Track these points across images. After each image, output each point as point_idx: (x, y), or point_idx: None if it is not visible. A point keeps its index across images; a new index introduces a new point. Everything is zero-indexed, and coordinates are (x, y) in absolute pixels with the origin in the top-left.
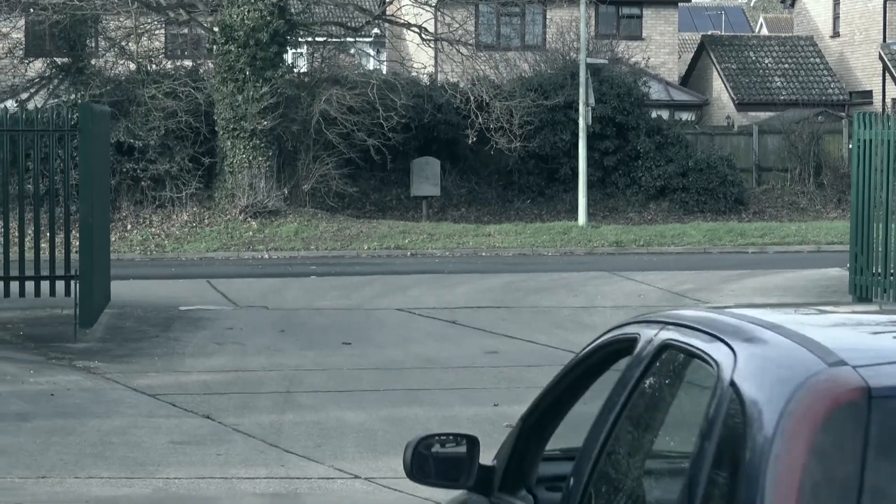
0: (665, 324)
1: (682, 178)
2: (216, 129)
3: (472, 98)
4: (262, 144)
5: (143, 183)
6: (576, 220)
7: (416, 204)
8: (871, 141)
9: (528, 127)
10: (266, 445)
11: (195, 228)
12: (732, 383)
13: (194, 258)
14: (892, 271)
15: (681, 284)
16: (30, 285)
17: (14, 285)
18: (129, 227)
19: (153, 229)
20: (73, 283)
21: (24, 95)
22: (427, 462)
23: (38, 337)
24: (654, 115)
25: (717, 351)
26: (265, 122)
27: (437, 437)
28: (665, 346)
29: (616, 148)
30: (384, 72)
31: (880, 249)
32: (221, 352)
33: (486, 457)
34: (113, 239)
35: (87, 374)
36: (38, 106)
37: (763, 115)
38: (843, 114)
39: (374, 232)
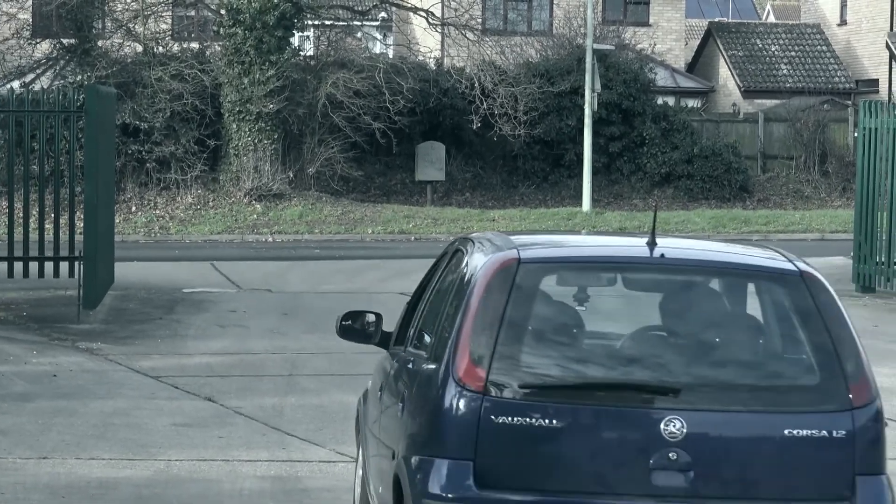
0: (460, 240)
1: (687, 165)
2: (222, 111)
3: (477, 83)
4: (268, 127)
5: (148, 165)
6: (580, 205)
7: (421, 188)
8: (876, 130)
9: (534, 113)
10: (268, 428)
11: (200, 211)
12: (468, 264)
13: (198, 241)
14: (895, 260)
15: None
16: (34, 266)
17: (18, 266)
18: (133, 208)
19: (158, 211)
20: (77, 264)
21: (31, 76)
22: (350, 329)
23: (41, 318)
24: (660, 101)
25: (465, 246)
26: (271, 105)
27: (356, 313)
28: (455, 248)
29: (621, 134)
30: (390, 56)
31: (884, 238)
32: (224, 334)
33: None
34: (117, 221)
35: (90, 356)
36: (45, 87)
37: (769, 102)
38: (849, 102)
39: (379, 216)
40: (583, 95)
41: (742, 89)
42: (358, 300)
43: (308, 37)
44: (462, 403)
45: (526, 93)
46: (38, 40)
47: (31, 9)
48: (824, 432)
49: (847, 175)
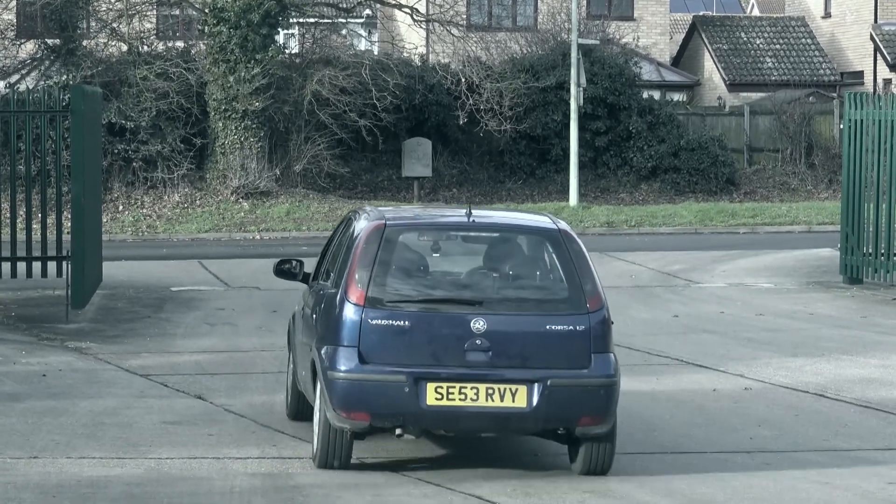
0: (351, 212)
1: (673, 159)
2: (208, 110)
3: (463, 79)
4: (254, 125)
5: (134, 164)
6: (567, 200)
7: (408, 184)
8: (862, 121)
9: (519, 108)
10: (258, 426)
11: (187, 209)
12: (355, 227)
13: (186, 239)
14: (882, 251)
15: (672, 265)
16: (21, 266)
17: (6, 266)
18: (120, 208)
19: (145, 210)
20: (64, 263)
21: (16, 77)
22: (282, 271)
23: (29, 318)
24: (645, 95)
25: (354, 216)
26: (257, 103)
27: (286, 260)
28: (346, 218)
29: (607, 128)
30: (376, 53)
31: (871, 229)
32: (213, 332)
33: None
34: (105, 220)
35: (79, 355)
36: (30, 87)
37: (754, 95)
38: (835, 94)
39: None
40: (568, 90)
41: (727, 82)
42: None
43: (293, 34)
44: (351, 312)
45: (511, 88)
46: (22, 41)
47: (15, 9)
48: (571, 327)
49: (833, 167)
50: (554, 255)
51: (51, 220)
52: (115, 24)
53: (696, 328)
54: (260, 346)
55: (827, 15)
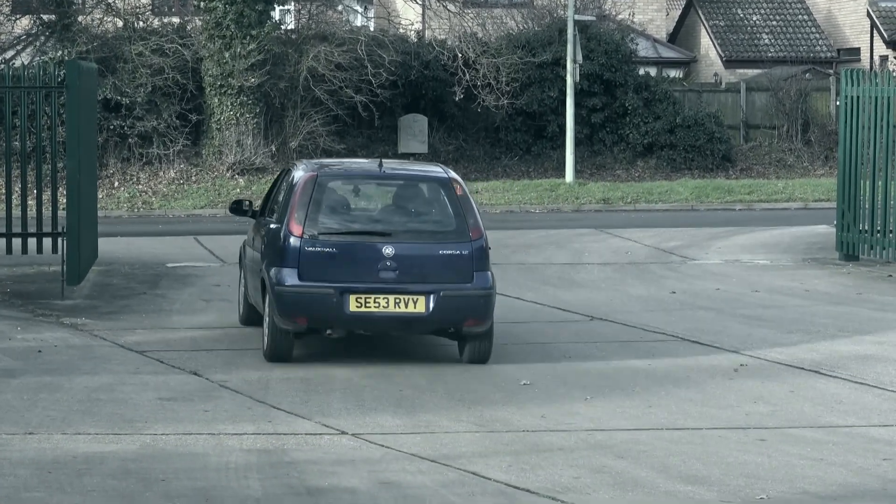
0: (291, 164)
1: (669, 135)
2: (203, 86)
3: (459, 55)
4: (250, 101)
5: (130, 140)
6: (563, 177)
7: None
8: (858, 98)
9: (515, 84)
10: (253, 402)
11: (182, 185)
12: (294, 176)
13: (181, 215)
14: (878, 228)
15: (668, 241)
16: (17, 242)
17: (1, 242)
18: (116, 184)
19: (140, 186)
20: (60, 240)
21: (11, 53)
22: (236, 209)
23: (25, 294)
24: (641, 72)
25: (292, 168)
26: (252, 79)
27: (239, 200)
28: (286, 169)
29: (604, 105)
30: (372, 29)
31: (867, 206)
32: (209, 308)
33: None
34: (100, 196)
35: (75, 331)
36: (25, 63)
37: (751, 72)
38: (831, 71)
39: None
40: (564, 66)
41: (724, 59)
42: None
43: (289, 10)
44: (292, 242)
45: (508, 64)
46: (17, 16)
47: None
48: (458, 252)
49: (829, 144)
50: (445, 198)
51: (46, 196)
52: (110, 0)
53: (692, 304)
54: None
55: None
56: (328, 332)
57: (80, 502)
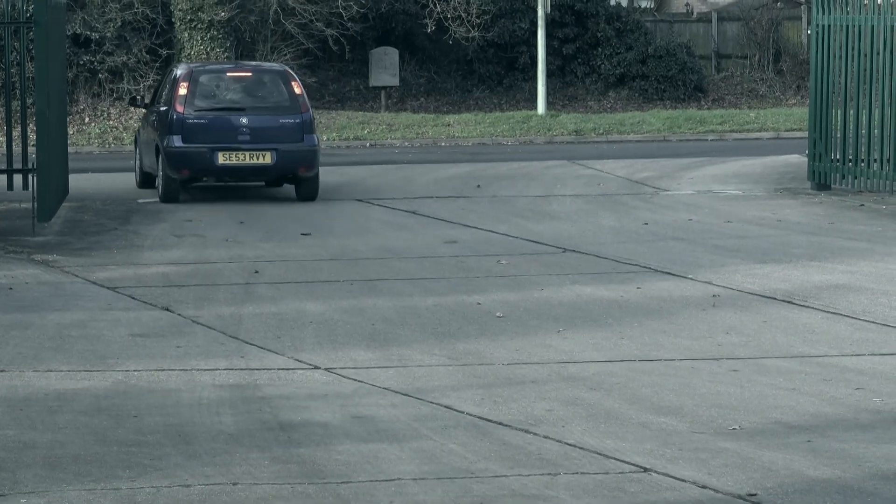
0: (174, 64)
1: (641, 66)
2: (173, 20)
3: None
4: (220, 35)
5: (100, 75)
6: (535, 108)
7: (375, 94)
8: (829, 26)
9: (486, 16)
10: (226, 337)
11: None
12: (175, 72)
13: None
14: (850, 157)
15: (640, 172)
16: None
17: None
18: (87, 120)
19: (111, 122)
20: (30, 176)
21: None
22: (132, 102)
23: None
24: (613, 2)
25: (174, 68)
26: (223, 13)
27: (133, 95)
28: (170, 69)
29: (575, 36)
30: None
31: (839, 136)
32: (181, 244)
33: None
34: (71, 132)
35: (46, 268)
36: None
37: (722, 1)
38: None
39: (333, 123)
40: None
41: None
42: (313, 207)
43: None
44: (176, 117)
45: None
46: None
47: None
48: (292, 120)
49: (801, 73)
50: (283, 85)
51: (16, 132)
52: None
53: (664, 236)
54: (227, 258)
55: None
56: (205, 179)
57: (51, 439)
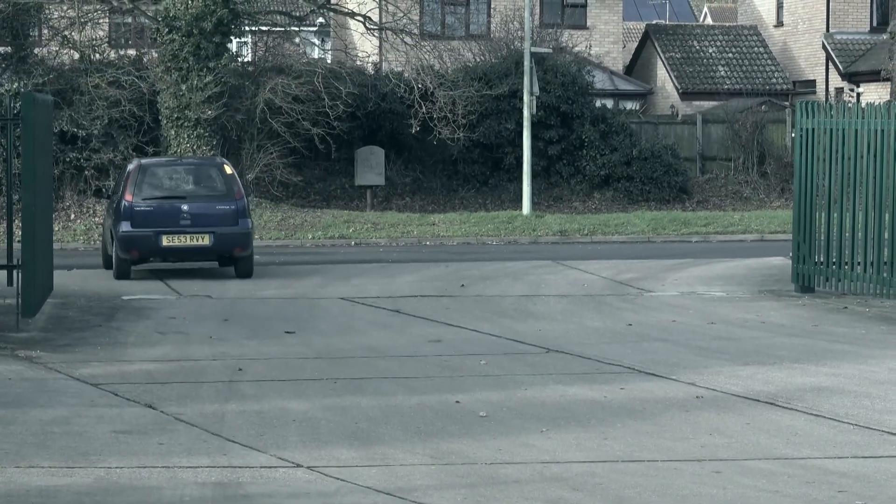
0: (127, 161)
1: (626, 167)
2: (160, 118)
3: (416, 87)
4: (207, 133)
5: (86, 172)
6: (520, 209)
7: (361, 193)
8: (813, 130)
9: (472, 116)
10: (208, 434)
11: None
12: (128, 167)
13: None
14: (834, 260)
15: (624, 273)
16: None
17: None
18: (72, 216)
19: (97, 219)
20: (15, 272)
21: None
22: (97, 193)
23: None
24: (598, 104)
25: (129, 162)
26: (209, 112)
27: (99, 187)
28: (125, 165)
29: (560, 137)
30: (329, 61)
31: (823, 238)
32: (164, 341)
33: None
34: (56, 229)
35: (29, 364)
36: None
37: (707, 104)
38: (787, 103)
39: (319, 221)
40: (521, 98)
41: (680, 91)
42: (298, 305)
43: (246, 42)
44: (125, 205)
45: (464, 96)
46: None
47: None
48: (228, 207)
49: (785, 176)
50: (220, 174)
51: (1, 228)
52: (66, 32)
53: (648, 336)
54: (211, 355)
55: (779, 24)
56: (151, 259)
57: None
